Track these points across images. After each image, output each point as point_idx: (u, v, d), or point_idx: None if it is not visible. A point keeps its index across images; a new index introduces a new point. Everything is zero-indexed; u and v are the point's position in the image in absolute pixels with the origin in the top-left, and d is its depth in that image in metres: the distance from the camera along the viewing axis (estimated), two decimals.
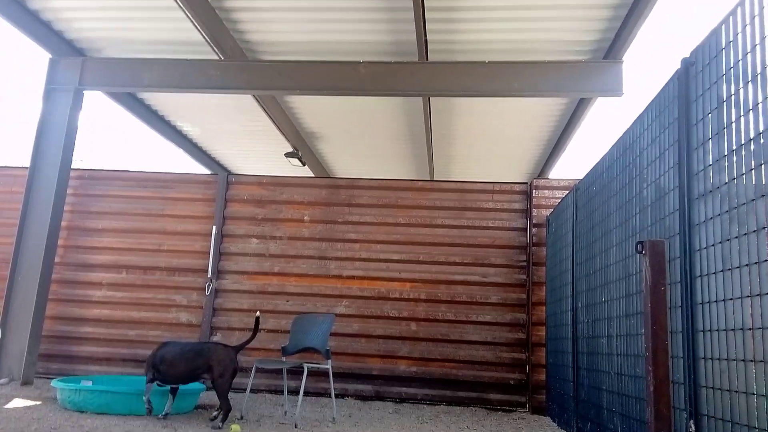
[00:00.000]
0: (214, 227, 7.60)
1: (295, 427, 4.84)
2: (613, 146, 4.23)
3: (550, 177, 11.07)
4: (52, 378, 7.17)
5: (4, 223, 7.84)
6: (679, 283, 2.93)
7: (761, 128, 2.27)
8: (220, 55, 6.98)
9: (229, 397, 4.65)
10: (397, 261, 7.37)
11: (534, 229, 7.15)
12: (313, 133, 10.43)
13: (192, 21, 6.35)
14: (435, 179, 12.38)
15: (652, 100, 3.46)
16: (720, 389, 2.50)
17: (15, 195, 7.88)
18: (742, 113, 2.43)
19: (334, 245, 7.49)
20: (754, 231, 2.29)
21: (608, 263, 4.20)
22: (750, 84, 2.37)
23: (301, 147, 10.56)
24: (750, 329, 2.29)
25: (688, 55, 2.99)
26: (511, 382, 6.99)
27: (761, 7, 2.31)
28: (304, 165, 10.83)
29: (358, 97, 8.25)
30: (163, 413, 4.86)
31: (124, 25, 7.11)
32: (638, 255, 3.54)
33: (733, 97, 2.51)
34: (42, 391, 6.06)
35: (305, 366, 5.08)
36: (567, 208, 5.72)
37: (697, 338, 2.73)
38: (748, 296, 2.32)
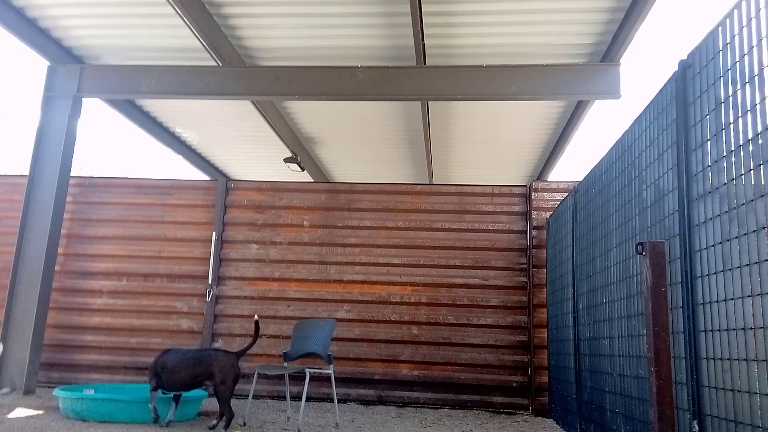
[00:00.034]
0: (213, 233, 7.60)
1: None
2: (611, 148, 4.25)
3: (549, 179, 11.09)
4: (54, 387, 7.16)
5: (4, 231, 7.84)
6: (679, 283, 2.94)
7: (759, 129, 2.28)
8: (219, 62, 7.00)
9: (231, 404, 4.65)
10: (398, 265, 7.38)
11: (534, 232, 7.16)
12: (312, 138, 10.44)
13: (190, 27, 6.37)
14: (434, 183, 12.39)
15: (650, 102, 3.48)
16: (723, 389, 2.51)
17: (14, 203, 7.88)
18: (740, 114, 2.44)
19: (334, 250, 7.50)
20: (754, 231, 2.30)
21: (609, 265, 4.21)
22: (747, 85, 2.39)
23: (300, 152, 10.58)
24: (752, 329, 2.30)
25: (685, 58, 3.01)
26: (514, 384, 7.00)
27: (758, 9, 2.33)
28: (303, 170, 10.84)
29: (356, 102, 8.27)
30: (166, 421, 4.86)
31: (122, 33, 7.13)
32: (639, 256, 3.55)
33: (730, 98, 2.53)
34: (44, 400, 6.05)
35: (307, 371, 5.08)
36: (567, 210, 5.73)
37: (699, 338, 2.74)
38: (749, 296, 2.33)
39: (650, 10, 5.75)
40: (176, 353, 4.80)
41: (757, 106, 2.30)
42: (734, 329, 2.43)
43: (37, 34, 7.04)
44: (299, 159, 10.38)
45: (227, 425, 4.54)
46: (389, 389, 7.11)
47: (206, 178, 12.00)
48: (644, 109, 3.59)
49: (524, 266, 7.24)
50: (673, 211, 3.05)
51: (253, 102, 8.18)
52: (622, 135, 4.00)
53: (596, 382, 4.48)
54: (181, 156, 10.97)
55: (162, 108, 9.35)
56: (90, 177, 8.02)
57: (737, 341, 2.41)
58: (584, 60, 7.16)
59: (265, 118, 8.65)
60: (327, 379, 7.13)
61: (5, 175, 8.06)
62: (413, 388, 7.10)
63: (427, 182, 11.89)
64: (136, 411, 4.92)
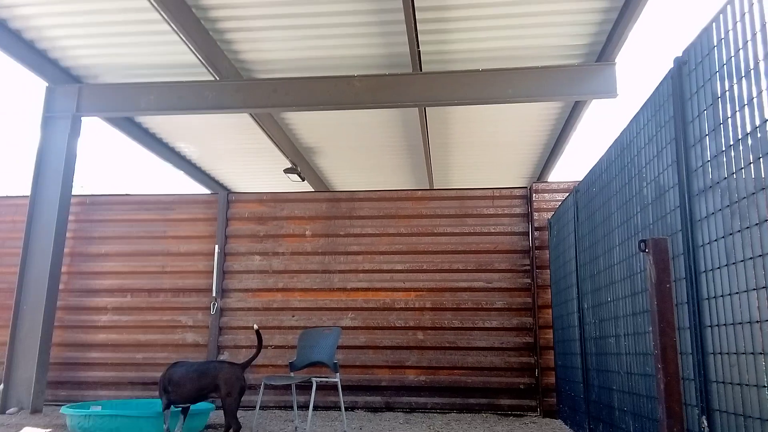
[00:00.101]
0: (216, 246, 7.61)
1: None
2: (611, 146, 4.26)
3: (549, 180, 11.10)
4: (61, 405, 7.15)
5: (7, 252, 7.85)
6: (684, 279, 2.94)
7: (757, 123, 2.29)
8: (216, 76, 7.03)
9: (239, 416, 4.64)
10: (401, 271, 7.38)
11: (536, 233, 7.16)
12: (311, 149, 10.47)
13: (187, 44, 6.41)
14: (434, 188, 12.41)
15: (648, 100, 3.49)
16: (731, 383, 2.51)
17: (17, 224, 7.90)
18: (737, 108, 2.45)
19: (337, 258, 7.50)
20: (757, 224, 2.30)
21: (612, 263, 4.21)
22: (744, 79, 2.40)
23: (300, 162, 10.60)
24: (758, 322, 2.30)
25: (680, 54, 3.02)
26: (521, 386, 6.98)
27: (751, 4, 2.34)
28: (303, 180, 10.86)
29: (354, 110, 8.30)
30: (175, 431, 4.86)
31: (119, 51, 7.17)
32: (642, 253, 3.56)
33: (727, 93, 2.54)
34: (51, 418, 6.05)
35: (313, 380, 5.07)
36: (568, 210, 5.74)
37: (705, 333, 2.74)
38: (754, 289, 2.33)
39: (644, 8, 5.78)
40: (182, 366, 4.80)
41: (755, 100, 2.31)
42: (740, 323, 2.44)
43: (34, 55, 7.08)
44: (299, 169, 10.40)
45: None
46: (396, 395, 7.10)
47: (207, 191, 12.02)
48: (642, 107, 3.60)
49: (527, 268, 7.23)
50: (675, 207, 3.06)
51: (251, 114, 8.21)
52: (621, 133, 4.01)
53: (603, 381, 4.47)
54: (181, 171, 11.00)
55: (161, 124, 9.38)
56: (91, 195, 8.04)
57: (743, 335, 2.41)
58: (580, 60, 7.18)
59: (264, 130, 8.68)
60: (334, 387, 7.12)
61: (7, 197, 8.08)
62: (420, 393, 7.08)
63: (428, 187, 11.91)
64: (144, 426, 4.91)
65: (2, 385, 6.45)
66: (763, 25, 2.25)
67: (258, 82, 7.15)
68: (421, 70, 7.23)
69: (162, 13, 5.90)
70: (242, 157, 10.91)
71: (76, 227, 7.86)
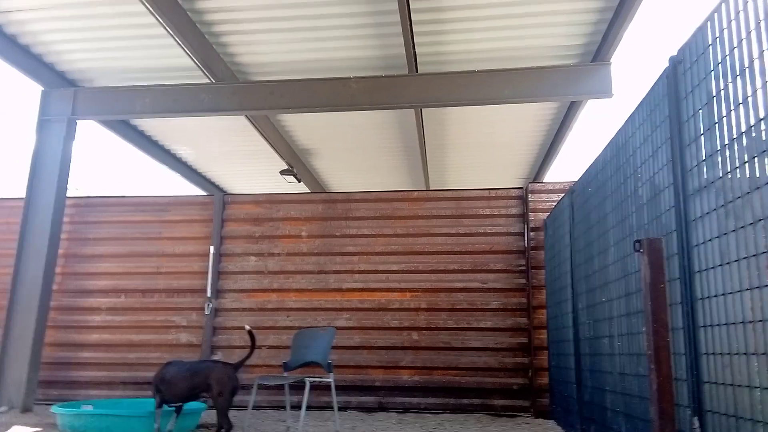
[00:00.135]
0: (211, 247, 7.59)
1: None
2: (606, 147, 4.25)
3: (545, 180, 11.08)
4: (52, 404, 7.11)
5: (1, 254, 7.82)
6: (678, 279, 2.93)
7: (752, 122, 2.28)
8: (212, 79, 7.01)
9: (231, 416, 4.61)
10: (396, 271, 7.36)
11: (531, 233, 7.15)
12: (308, 150, 10.44)
13: (182, 47, 6.38)
14: (430, 189, 12.39)
15: (643, 100, 3.48)
16: (723, 384, 2.49)
17: (12, 226, 7.86)
18: (732, 108, 2.44)
19: (333, 259, 7.48)
20: (751, 224, 2.29)
21: (607, 263, 4.20)
22: (738, 78, 2.39)
23: (296, 164, 10.58)
24: (751, 322, 2.29)
25: (675, 53, 3.01)
26: (515, 387, 6.97)
27: (745, 2, 2.33)
28: (299, 182, 10.84)
29: (350, 112, 8.28)
30: (167, 430, 4.83)
31: (114, 55, 7.15)
32: (636, 253, 3.55)
33: (722, 92, 2.53)
34: (42, 417, 6.01)
35: (307, 380, 5.05)
36: (563, 210, 5.73)
37: (699, 334, 2.73)
38: (747, 289, 2.32)
39: (638, 8, 5.78)
40: (176, 365, 4.78)
41: (749, 99, 2.30)
42: (733, 323, 2.42)
43: (30, 60, 7.07)
44: (295, 171, 10.37)
45: None
46: (390, 395, 7.08)
47: (203, 193, 11.99)
48: (637, 107, 3.59)
49: (523, 268, 7.22)
50: (670, 207, 3.04)
51: (247, 117, 8.19)
52: (616, 133, 4.00)
53: (597, 381, 4.46)
54: (177, 173, 10.97)
55: (157, 126, 9.35)
56: (86, 197, 8.01)
57: (737, 335, 2.40)
58: (575, 61, 7.18)
59: (260, 132, 8.66)
60: (327, 387, 7.10)
61: (2, 199, 8.04)
62: (414, 393, 7.07)
63: (424, 188, 11.90)
64: (135, 426, 4.88)
65: None
66: (757, 24, 2.25)
67: (254, 84, 7.13)
68: (417, 71, 7.22)
69: (157, 17, 5.88)
70: (238, 159, 10.88)
71: (71, 229, 7.82)
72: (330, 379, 5.37)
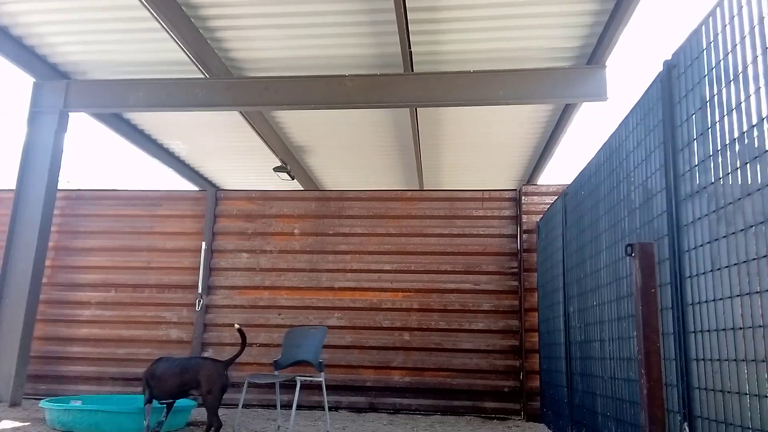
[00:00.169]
0: (203, 243, 7.55)
1: None
2: (599, 150, 4.25)
3: (539, 183, 11.10)
4: (41, 399, 7.07)
5: None
6: (669, 284, 2.92)
7: (745, 128, 2.28)
8: (206, 74, 6.97)
9: (221, 414, 4.59)
10: (389, 271, 7.35)
11: (524, 236, 7.15)
12: (302, 147, 10.42)
13: (176, 41, 6.35)
14: (424, 189, 12.39)
15: (637, 103, 3.48)
16: (713, 390, 2.49)
17: (1, 217, 7.80)
18: (725, 113, 2.44)
19: (325, 257, 7.46)
20: (742, 230, 2.29)
21: (598, 267, 4.20)
22: (732, 84, 2.38)
23: (290, 161, 10.55)
24: (741, 329, 2.29)
25: (670, 58, 3.00)
26: (506, 389, 6.97)
27: (740, 7, 2.33)
28: (293, 179, 10.81)
29: (345, 110, 8.26)
30: (157, 421, 4.81)
31: (108, 48, 7.11)
32: (628, 258, 3.54)
33: (716, 97, 2.52)
34: (30, 412, 5.97)
35: (298, 379, 5.03)
36: (556, 213, 5.73)
37: (689, 339, 2.72)
38: (738, 295, 2.31)
39: (634, 11, 5.78)
40: (166, 361, 4.76)
41: (743, 104, 2.30)
42: (723, 329, 2.42)
43: (22, 51, 7.02)
44: (289, 168, 10.35)
45: None
46: (381, 396, 7.07)
47: (195, 188, 11.95)
48: (631, 110, 3.58)
49: (515, 270, 7.22)
50: (662, 211, 3.04)
51: (241, 112, 8.16)
52: (610, 137, 3.99)
53: (587, 385, 4.46)
54: (169, 167, 10.92)
55: (150, 120, 9.30)
56: (78, 190, 7.96)
57: (727, 342, 2.39)
58: (570, 63, 7.18)
59: (254, 128, 8.62)
60: (318, 386, 7.08)
61: None
62: (405, 394, 7.05)
63: (418, 188, 11.89)
64: (124, 422, 4.86)
65: None
66: (752, 29, 2.24)
67: (249, 80, 7.09)
68: (412, 70, 7.21)
69: (151, 10, 5.84)
70: (232, 154, 10.85)
71: (61, 221, 7.78)
72: (321, 378, 5.35)
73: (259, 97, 7.00)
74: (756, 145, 2.20)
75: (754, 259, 2.19)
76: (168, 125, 9.46)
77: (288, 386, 7.03)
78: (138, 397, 5.98)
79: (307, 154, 10.80)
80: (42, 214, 6.76)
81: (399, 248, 7.40)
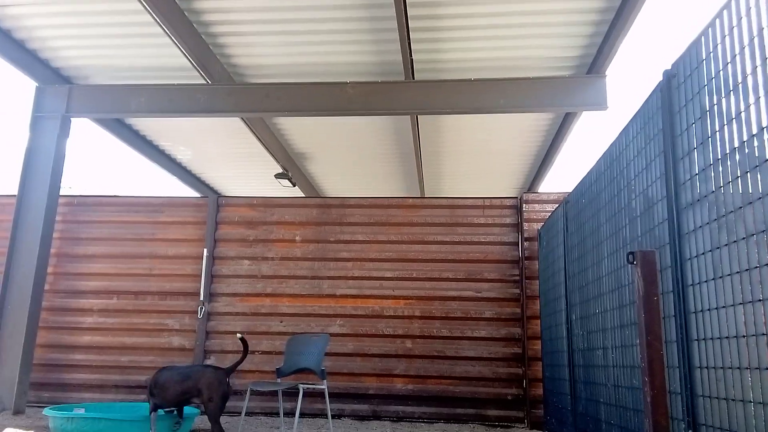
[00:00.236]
0: (205, 250, 7.57)
1: None
2: (600, 158, 4.27)
3: (540, 191, 11.13)
4: (44, 407, 7.07)
5: None
6: (671, 292, 2.94)
7: (745, 137, 2.30)
8: (208, 80, 7.01)
9: (223, 422, 4.60)
10: (390, 278, 7.36)
11: (526, 243, 7.17)
12: (303, 154, 10.45)
13: (179, 47, 6.38)
14: (425, 196, 12.41)
15: (637, 112, 3.50)
16: (717, 398, 2.50)
17: (3, 223, 7.82)
18: (725, 122, 2.46)
19: (327, 264, 7.47)
20: (743, 238, 2.31)
21: (600, 275, 4.21)
22: (732, 94, 2.41)
23: (291, 168, 10.58)
24: (744, 336, 2.30)
25: (670, 67, 3.03)
26: (509, 397, 6.97)
27: (739, 18, 2.35)
28: (294, 186, 10.84)
29: (346, 117, 8.29)
30: (173, 426, 4.84)
31: (110, 53, 7.14)
32: (630, 266, 3.56)
33: (715, 107, 2.54)
34: (34, 420, 5.97)
35: (300, 387, 5.04)
36: (558, 221, 5.75)
37: (692, 347, 2.74)
38: (740, 303, 2.33)
39: (634, 21, 5.82)
40: (169, 370, 4.77)
41: (742, 114, 2.32)
42: (726, 337, 2.43)
43: (25, 55, 7.04)
44: (290, 175, 10.38)
45: None
46: (384, 404, 7.06)
47: (197, 194, 11.97)
48: (631, 119, 3.61)
49: (517, 278, 7.23)
50: (663, 219, 3.06)
51: (243, 119, 8.19)
52: (611, 145, 4.02)
53: (591, 393, 4.46)
54: (171, 173, 10.95)
55: (151, 126, 9.34)
56: (80, 196, 7.98)
57: (730, 349, 2.41)
58: (570, 72, 7.22)
59: (256, 134, 8.66)
60: (321, 394, 7.08)
61: None
62: (408, 402, 7.05)
63: (419, 195, 11.91)
64: (128, 429, 4.86)
65: None
66: (751, 40, 2.26)
67: (250, 86, 7.13)
68: (413, 78, 7.24)
69: (154, 16, 5.88)
70: (233, 161, 10.88)
71: (63, 228, 7.79)
72: (323, 386, 5.36)
73: (261, 104, 7.04)
74: (756, 155, 2.22)
75: (756, 267, 2.21)
76: (170, 131, 9.49)
77: (291, 394, 7.03)
78: (141, 405, 5.98)
79: (308, 161, 10.83)
80: (44, 220, 6.78)
81: (400, 255, 7.41)
